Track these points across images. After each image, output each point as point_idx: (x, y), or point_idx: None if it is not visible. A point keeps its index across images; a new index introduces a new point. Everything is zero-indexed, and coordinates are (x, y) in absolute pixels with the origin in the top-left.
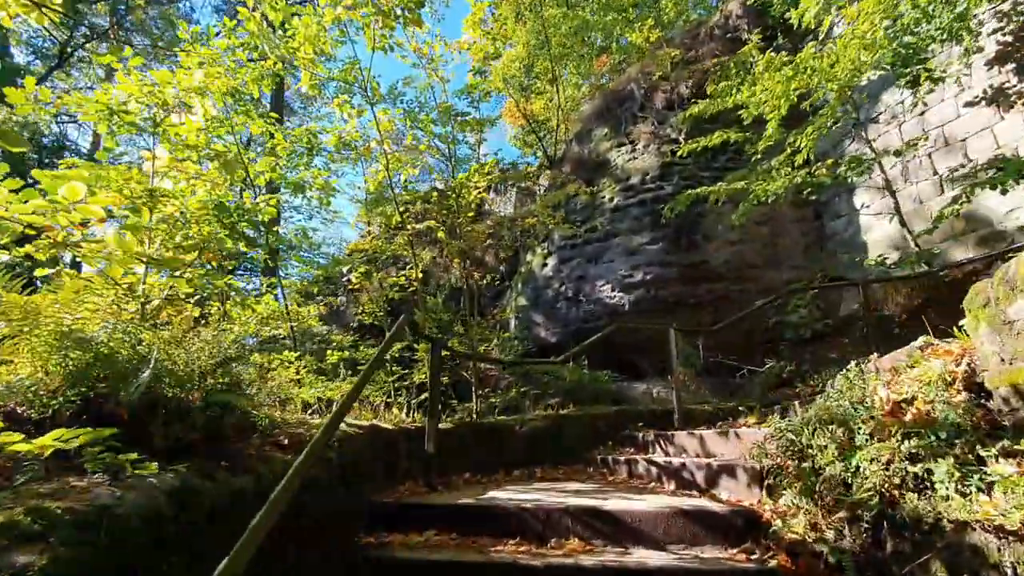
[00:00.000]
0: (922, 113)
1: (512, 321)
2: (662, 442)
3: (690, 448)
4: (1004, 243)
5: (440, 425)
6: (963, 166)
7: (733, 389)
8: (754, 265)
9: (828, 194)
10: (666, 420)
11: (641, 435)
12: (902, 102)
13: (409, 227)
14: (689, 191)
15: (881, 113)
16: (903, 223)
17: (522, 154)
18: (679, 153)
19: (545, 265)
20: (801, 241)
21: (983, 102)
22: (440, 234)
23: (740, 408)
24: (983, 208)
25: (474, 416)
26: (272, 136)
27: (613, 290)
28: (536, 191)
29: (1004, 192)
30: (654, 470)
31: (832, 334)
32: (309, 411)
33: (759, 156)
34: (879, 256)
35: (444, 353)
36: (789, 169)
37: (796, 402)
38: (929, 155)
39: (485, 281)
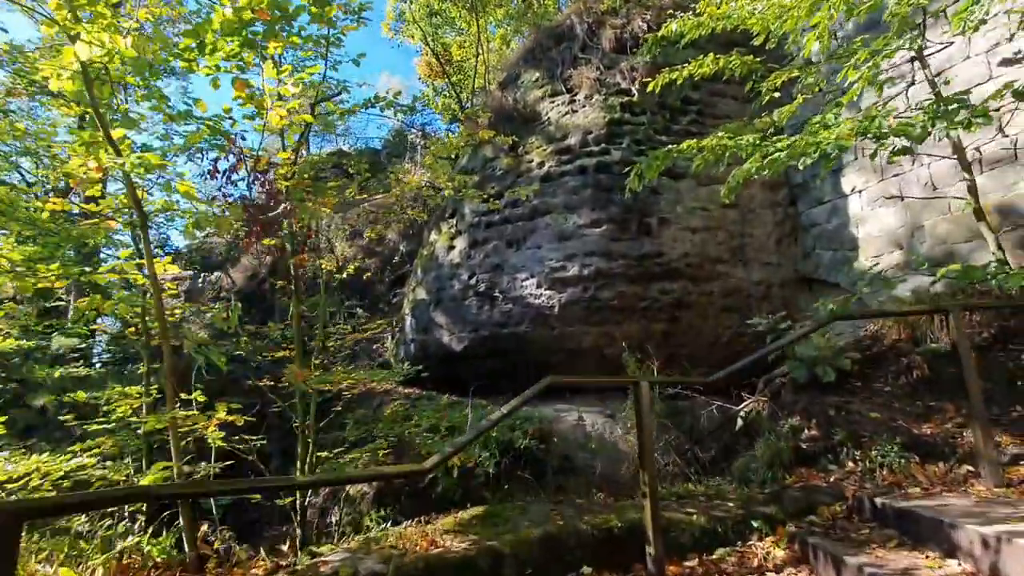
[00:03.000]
0: (938, 74)
1: (407, 320)
2: None
3: None
4: None
5: None
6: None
7: (710, 448)
8: (719, 260)
9: (806, 172)
10: (629, 549)
11: None
12: (914, 56)
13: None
14: (658, 153)
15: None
16: (980, 216)
17: (427, 105)
18: (648, 90)
19: (452, 248)
20: (774, 231)
21: None
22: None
23: (752, 517)
24: (955, 198)
25: None
26: None
27: (539, 286)
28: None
29: None
30: None
31: (854, 375)
32: None
33: (769, 98)
34: (874, 258)
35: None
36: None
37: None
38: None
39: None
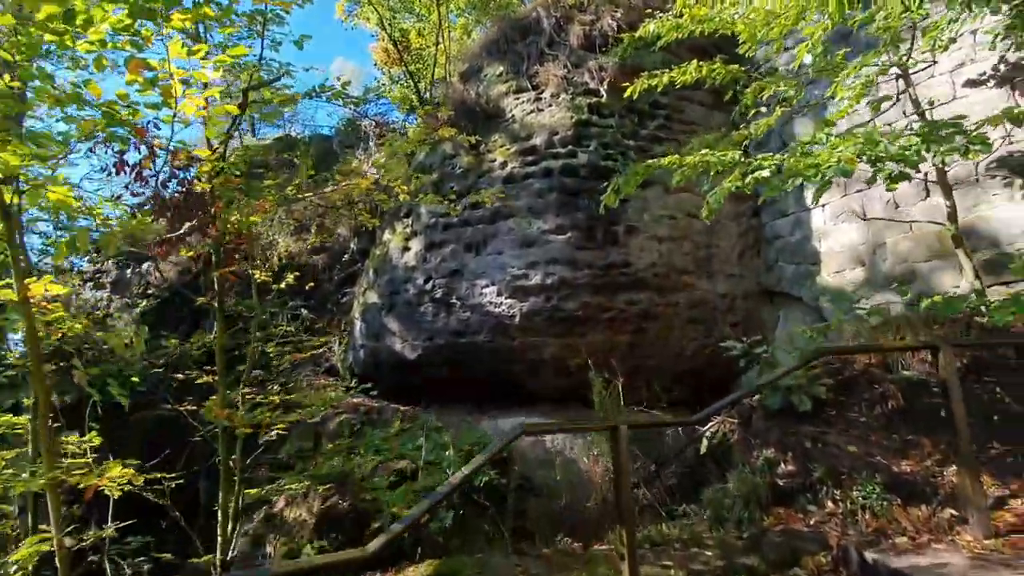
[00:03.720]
0: (902, 92)
1: (357, 325)
2: None
3: None
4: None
5: None
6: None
7: (676, 472)
8: (685, 271)
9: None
10: None
11: None
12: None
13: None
14: (637, 167)
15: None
16: (958, 242)
17: (382, 95)
18: (626, 95)
19: (407, 249)
20: (739, 243)
21: (991, 80)
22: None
23: (733, 570)
24: (988, 221)
25: None
26: None
27: (499, 294)
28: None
29: None
30: None
31: (828, 403)
32: None
33: (754, 111)
34: (836, 273)
35: None
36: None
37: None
38: None
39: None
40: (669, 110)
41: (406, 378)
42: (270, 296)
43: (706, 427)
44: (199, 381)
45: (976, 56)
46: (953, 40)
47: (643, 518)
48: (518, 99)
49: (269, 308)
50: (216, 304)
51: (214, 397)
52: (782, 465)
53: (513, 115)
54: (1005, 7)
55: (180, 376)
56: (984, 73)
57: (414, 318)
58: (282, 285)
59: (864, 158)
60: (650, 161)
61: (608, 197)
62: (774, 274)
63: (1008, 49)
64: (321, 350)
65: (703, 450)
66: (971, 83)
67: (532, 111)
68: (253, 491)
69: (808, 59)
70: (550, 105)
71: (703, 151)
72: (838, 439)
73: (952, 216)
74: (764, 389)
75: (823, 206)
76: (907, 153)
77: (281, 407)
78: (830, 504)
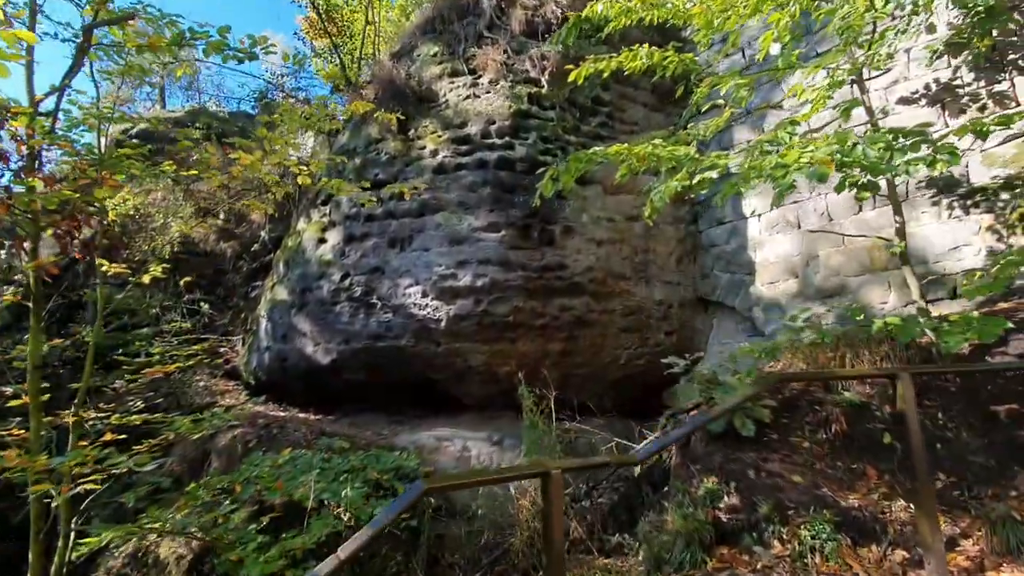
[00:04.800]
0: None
1: (263, 324)
2: None
3: None
4: (943, 289)
5: None
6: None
7: (607, 495)
8: (622, 276)
9: (708, 190)
10: None
11: None
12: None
13: None
14: (580, 155)
15: (783, 99)
16: (905, 260)
17: (297, 63)
18: (570, 79)
19: (323, 241)
20: (676, 248)
21: (923, 99)
22: None
23: None
24: (916, 238)
25: None
26: None
27: (425, 295)
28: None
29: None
30: None
31: (770, 426)
32: None
33: (709, 106)
34: (770, 284)
35: None
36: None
37: None
38: None
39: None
40: (611, 108)
41: (318, 384)
42: (158, 288)
43: (642, 445)
44: (11, 404)
45: (909, 74)
46: (891, 56)
47: (572, 554)
48: (453, 83)
49: (158, 302)
50: (33, 304)
51: (8, 453)
52: (725, 498)
53: (447, 99)
54: (942, 28)
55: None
56: (916, 92)
57: (328, 319)
58: (144, 279)
59: (836, 161)
60: (595, 149)
61: (545, 185)
62: (710, 282)
63: (946, 67)
64: (223, 348)
65: (638, 471)
66: (904, 100)
67: (468, 96)
68: (90, 541)
69: (776, 49)
70: (488, 92)
71: (655, 141)
72: (782, 467)
73: (900, 232)
74: (719, 418)
75: (759, 215)
76: (878, 161)
77: (136, 433)
78: (778, 545)
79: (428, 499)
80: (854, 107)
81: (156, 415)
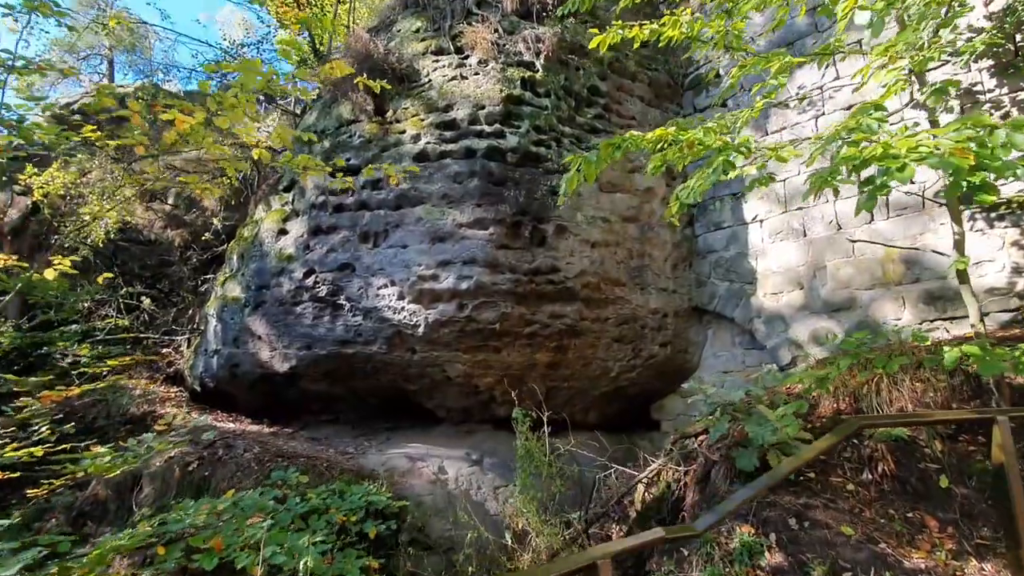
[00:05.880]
0: (849, 107)
1: (212, 324)
2: None
3: None
4: (962, 307)
5: None
6: (908, 192)
7: (607, 533)
8: (617, 281)
9: (706, 194)
10: None
11: None
12: (820, 87)
13: None
14: (615, 140)
15: (792, 98)
16: (964, 278)
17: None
18: (591, 46)
19: (284, 232)
20: (672, 253)
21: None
22: None
23: None
24: (933, 252)
25: None
26: None
27: (401, 297)
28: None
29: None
30: None
31: (807, 464)
32: None
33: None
34: (773, 295)
35: None
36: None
37: None
38: None
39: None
40: (608, 99)
41: (273, 394)
42: (89, 280)
43: (644, 473)
44: None
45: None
46: (946, 48)
47: None
48: (438, 61)
49: (89, 296)
50: None
51: None
52: (766, 553)
53: (431, 79)
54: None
55: None
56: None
57: (288, 320)
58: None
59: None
60: (632, 133)
61: (570, 180)
62: (706, 291)
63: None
64: (166, 350)
65: (638, 505)
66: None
67: (454, 77)
68: None
69: (864, 17)
70: (476, 73)
71: (697, 127)
72: (827, 515)
73: (959, 245)
74: (791, 474)
75: (761, 221)
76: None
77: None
78: None
79: (406, 529)
80: (946, 88)
81: (76, 436)
